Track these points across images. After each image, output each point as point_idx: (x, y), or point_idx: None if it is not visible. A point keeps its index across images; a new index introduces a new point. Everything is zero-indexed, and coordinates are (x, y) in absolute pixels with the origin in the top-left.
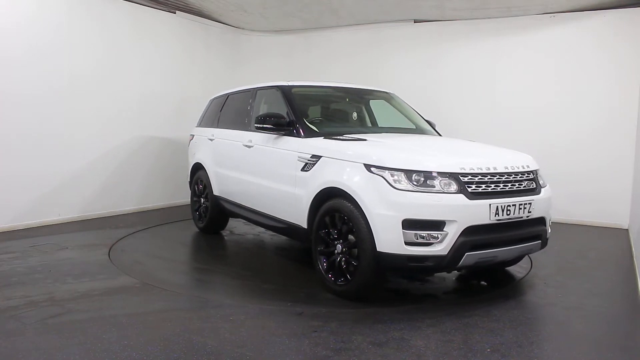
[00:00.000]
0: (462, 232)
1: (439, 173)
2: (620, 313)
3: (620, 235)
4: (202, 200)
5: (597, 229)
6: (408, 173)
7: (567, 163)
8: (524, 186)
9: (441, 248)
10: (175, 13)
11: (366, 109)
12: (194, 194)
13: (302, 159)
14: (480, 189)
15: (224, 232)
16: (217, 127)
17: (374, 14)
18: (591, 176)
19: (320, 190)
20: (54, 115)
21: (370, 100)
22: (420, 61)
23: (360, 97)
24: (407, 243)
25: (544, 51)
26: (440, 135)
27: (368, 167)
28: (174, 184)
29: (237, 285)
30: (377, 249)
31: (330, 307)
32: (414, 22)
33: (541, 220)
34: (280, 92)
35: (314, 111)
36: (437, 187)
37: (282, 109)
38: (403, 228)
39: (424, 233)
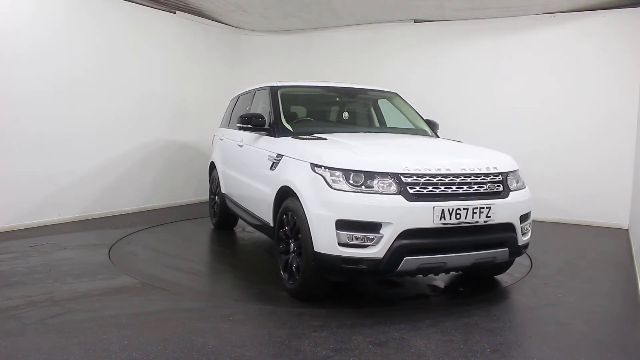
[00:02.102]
0: (400, 235)
1: (378, 173)
2: (620, 313)
3: (620, 235)
4: (216, 198)
5: (597, 229)
6: (346, 173)
7: (567, 163)
8: (486, 189)
9: (376, 251)
10: (175, 13)
11: (374, 108)
12: (210, 191)
13: (270, 158)
14: (425, 191)
15: (236, 229)
16: (228, 127)
17: (374, 14)
18: (591, 176)
19: (279, 189)
20: (54, 115)
21: (368, 100)
22: (420, 61)
23: (354, 97)
24: (340, 244)
25: (543, 51)
26: (437, 136)
27: (313, 166)
28: (174, 183)
29: (237, 285)
30: (314, 249)
31: (330, 307)
32: (414, 22)
33: (508, 227)
34: (269, 92)
35: (301, 111)
36: (375, 188)
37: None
38: (337, 229)
39: (359, 235)
